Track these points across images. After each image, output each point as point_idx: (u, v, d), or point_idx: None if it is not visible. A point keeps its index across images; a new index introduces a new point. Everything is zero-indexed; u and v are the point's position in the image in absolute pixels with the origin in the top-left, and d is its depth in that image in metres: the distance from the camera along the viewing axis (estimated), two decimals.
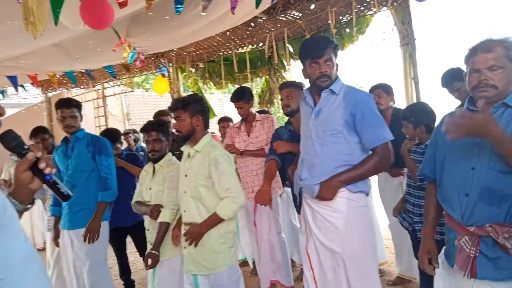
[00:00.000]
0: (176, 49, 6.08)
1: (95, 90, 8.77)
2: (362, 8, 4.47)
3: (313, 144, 2.14)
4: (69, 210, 2.94)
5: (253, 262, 3.79)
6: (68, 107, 2.94)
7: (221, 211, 2.19)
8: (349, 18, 4.65)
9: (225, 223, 2.25)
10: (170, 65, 6.53)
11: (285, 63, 5.79)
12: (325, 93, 2.14)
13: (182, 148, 2.42)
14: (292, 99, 2.95)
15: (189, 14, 3.62)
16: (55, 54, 4.49)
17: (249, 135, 3.44)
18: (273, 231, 3.30)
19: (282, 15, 4.90)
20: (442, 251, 1.72)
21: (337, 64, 2.16)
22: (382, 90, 3.32)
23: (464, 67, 1.62)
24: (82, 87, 8.17)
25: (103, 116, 9.01)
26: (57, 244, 3.15)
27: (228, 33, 5.31)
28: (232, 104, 3.48)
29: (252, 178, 3.37)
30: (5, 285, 0.82)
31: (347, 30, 4.86)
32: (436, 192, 1.72)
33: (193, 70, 6.46)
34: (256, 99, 5.60)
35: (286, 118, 3.25)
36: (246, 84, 5.86)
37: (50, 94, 8.79)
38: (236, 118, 3.91)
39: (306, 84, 2.34)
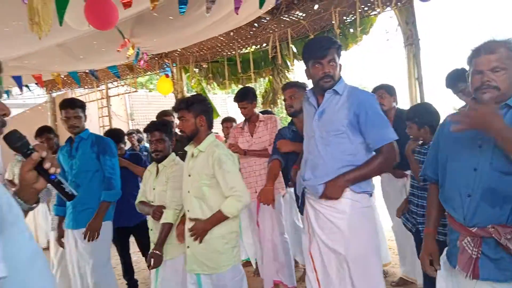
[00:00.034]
0: (179, 50, 6.09)
1: (99, 90, 8.81)
2: (366, 9, 4.46)
3: (317, 145, 2.14)
4: (73, 209, 2.96)
5: (256, 262, 3.79)
6: (72, 108, 2.95)
7: (226, 209, 2.19)
8: (353, 18, 4.64)
9: (228, 223, 2.25)
10: (174, 65, 6.55)
11: (288, 63, 5.79)
12: (328, 94, 2.13)
13: (186, 148, 2.42)
14: (295, 100, 2.95)
15: (193, 15, 3.62)
16: (60, 54, 4.52)
17: (252, 136, 3.44)
18: (276, 232, 3.30)
19: (286, 16, 4.90)
20: (444, 252, 1.72)
21: (340, 65, 2.15)
22: (385, 91, 3.31)
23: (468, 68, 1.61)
24: (86, 87, 8.21)
25: (107, 116, 9.06)
26: (60, 244, 3.16)
27: (231, 33, 5.32)
28: (236, 105, 3.48)
29: (255, 179, 3.37)
30: (11, 282, 0.83)
31: (351, 30, 4.85)
32: (438, 193, 1.72)
33: (196, 70, 6.47)
34: (259, 99, 5.60)
35: (289, 119, 3.25)
36: (249, 85, 5.86)
37: (54, 94, 8.84)
38: (240, 118, 3.91)
39: (309, 84, 2.33)
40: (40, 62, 4.80)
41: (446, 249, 1.71)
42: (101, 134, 3.83)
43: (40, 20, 2.29)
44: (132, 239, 3.82)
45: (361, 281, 2.04)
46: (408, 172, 3.08)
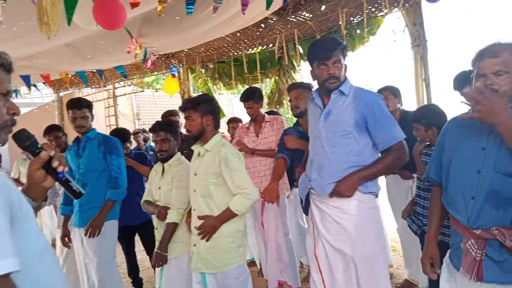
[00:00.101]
0: (186, 50, 6.11)
1: (106, 90, 8.87)
2: (373, 9, 4.44)
3: (323, 145, 2.14)
4: (79, 208, 2.98)
5: (260, 263, 3.80)
6: (79, 108, 2.97)
7: (234, 206, 2.20)
8: (360, 19, 4.62)
9: (235, 221, 2.26)
10: (180, 65, 6.57)
11: (295, 64, 5.79)
12: (334, 94, 2.13)
13: (192, 147, 2.43)
14: (301, 100, 2.95)
15: (200, 15, 3.64)
16: (68, 54, 4.55)
17: (257, 136, 3.45)
18: (280, 232, 3.30)
19: (293, 16, 4.90)
20: (448, 254, 1.71)
21: (345, 65, 2.16)
22: (390, 92, 3.31)
23: None
24: (93, 86, 8.27)
25: (113, 115, 9.12)
26: (63, 243, 3.17)
27: (238, 34, 5.32)
28: (242, 105, 3.48)
29: (260, 179, 3.37)
30: (23, 277, 0.85)
31: (358, 31, 4.83)
32: (441, 195, 1.71)
33: (203, 70, 6.49)
34: (265, 100, 5.60)
35: (294, 119, 3.25)
36: (255, 85, 5.86)
37: (61, 94, 8.90)
38: (245, 119, 3.91)
39: (315, 85, 2.33)
40: (48, 61, 4.84)
41: (449, 251, 1.70)
42: (108, 133, 3.84)
43: (49, 20, 2.31)
44: (137, 238, 3.84)
45: (367, 282, 2.04)
46: (415, 175, 3.07)
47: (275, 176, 2.85)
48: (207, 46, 5.86)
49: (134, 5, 2.67)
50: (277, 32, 5.28)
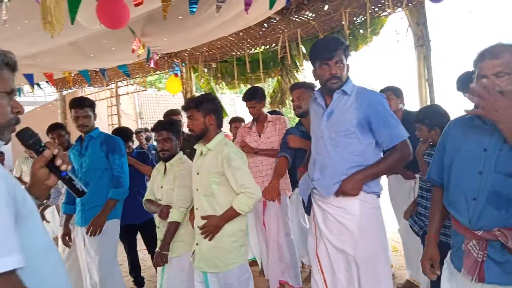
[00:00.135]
0: (189, 49, 6.11)
1: (108, 89, 8.89)
2: (376, 9, 4.43)
3: (326, 145, 2.14)
4: (81, 207, 2.99)
5: (262, 262, 3.79)
6: (81, 107, 2.98)
7: (238, 206, 2.20)
8: (363, 19, 4.61)
9: (238, 220, 2.26)
10: (183, 64, 6.57)
11: (297, 63, 5.78)
12: (337, 94, 2.13)
13: (195, 147, 2.44)
14: (303, 100, 2.95)
15: (203, 15, 3.64)
16: (71, 53, 4.56)
17: (260, 136, 3.44)
18: (281, 232, 3.29)
19: (296, 16, 4.88)
20: (448, 255, 1.71)
21: (348, 65, 2.15)
22: (392, 93, 3.30)
23: None
24: (96, 85, 8.28)
25: (116, 114, 9.13)
26: (64, 242, 3.17)
27: (241, 33, 5.32)
28: (244, 104, 3.48)
29: (262, 179, 3.36)
30: (28, 273, 0.85)
31: (361, 31, 4.82)
32: (442, 196, 1.71)
33: (205, 70, 6.49)
34: (267, 99, 5.60)
35: (297, 119, 3.25)
36: (258, 85, 5.86)
37: (64, 92, 8.93)
38: (248, 119, 3.91)
39: (318, 84, 2.33)
40: (52, 60, 4.86)
41: (449, 252, 1.70)
42: (110, 132, 3.85)
43: (52, 19, 2.32)
44: (139, 236, 3.85)
45: (369, 282, 2.04)
46: (417, 175, 3.07)
47: (276, 175, 2.85)
48: (210, 46, 5.86)
49: (137, 4, 2.68)
50: (280, 31, 5.27)
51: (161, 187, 2.73)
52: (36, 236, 0.97)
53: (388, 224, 3.72)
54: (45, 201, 1.18)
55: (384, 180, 2.39)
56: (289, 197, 3.45)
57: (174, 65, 6.56)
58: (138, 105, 11.45)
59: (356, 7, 4.39)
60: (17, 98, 1.11)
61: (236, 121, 4.82)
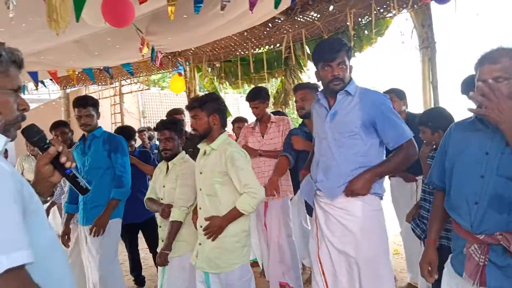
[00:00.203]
0: (193, 48, 6.12)
1: (112, 87, 8.90)
2: (381, 10, 4.42)
3: (330, 146, 2.13)
4: (83, 206, 3.00)
5: (263, 263, 3.79)
6: (84, 106, 2.98)
7: (241, 206, 2.20)
8: (368, 20, 4.60)
9: (241, 221, 2.26)
10: (187, 64, 6.57)
11: (302, 64, 5.77)
12: (340, 95, 2.13)
13: (198, 146, 2.43)
14: (306, 101, 2.94)
15: (207, 14, 3.64)
16: (76, 51, 4.58)
17: (263, 136, 3.43)
18: (282, 234, 3.28)
19: (300, 16, 4.88)
20: (449, 259, 1.70)
21: (351, 66, 2.15)
22: (395, 95, 3.29)
23: None
24: (100, 84, 8.31)
25: (119, 113, 9.14)
26: (62, 241, 3.17)
27: (245, 33, 5.32)
28: (247, 104, 3.47)
29: (264, 180, 3.34)
30: (36, 268, 0.86)
31: (366, 32, 4.81)
32: (443, 200, 1.71)
33: (209, 69, 6.49)
34: (271, 100, 5.60)
35: (300, 120, 3.24)
36: (262, 85, 5.86)
37: (68, 90, 8.96)
38: (251, 119, 3.90)
39: (321, 85, 2.33)
40: (56, 58, 4.87)
41: (450, 256, 1.69)
42: (113, 131, 3.86)
43: (58, 18, 2.32)
44: (140, 235, 3.85)
45: (371, 283, 2.03)
46: (419, 177, 3.06)
47: (276, 172, 2.88)
48: (214, 45, 5.86)
49: (142, 1, 2.68)
50: (285, 32, 5.26)
51: (163, 186, 2.73)
52: (42, 232, 0.98)
53: (389, 227, 3.73)
54: (48, 198, 1.19)
55: (386, 182, 2.39)
56: (291, 199, 3.44)
57: (178, 64, 6.57)
58: (141, 104, 11.47)
59: (361, 8, 4.38)
60: (21, 95, 1.11)
61: (239, 121, 4.82)
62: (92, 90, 9.40)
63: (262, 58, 5.76)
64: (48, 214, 3.73)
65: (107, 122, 8.67)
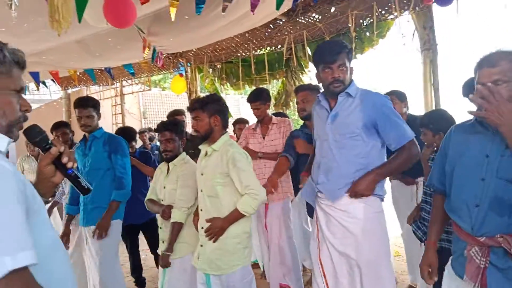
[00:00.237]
0: (194, 49, 6.12)
1: (113, 88, 8.91)
2: (383, 12, 4.42)
3: (331, 148, 2.13)
4: (84, 207, 3.00)
5: (263, 265, 3.78)
6: (85, 107, 2.98)
7: (242, 207, 2.20)
8: (369, 21, 4.60)
9: (243, 222, 2.25)
10: (188, 65, 6.58)
11: (303, 65, 5.78)
12: (341, 97, 2.14)
13: (200, 147, 2.43)
14: (308, 103, 2.94)
15: (209, 15, 3.64)
16: (77, 51, 4.58)
17: (264, 138, 3.42)
18: (283, 235, 3.28)
19: (302, 18, 4.88)
20: (450, 262, 1.70)
21: (351, 68, 2.16)
22: (396, 97, 3.29)
23: None
24: (101, 84, 8.31)
25: (120, 114, 9.15)
26: (63, 241, 3.19)
27: (246, 34, 5.32)
28: (249, 105, 3.47)
29: (264, 181, 3.34)
30: (39, 269, 0.86)
31: (367, 33, 4.80)
32: (443, 202, 1.71)
33: (210, 70, 6.49)
34: (272, 101, 5.59)
35: (301, 121, 3.24)
36: (263, 86, 5.85)
37: (69, 91, 8.96)
38: (252, 120, 3.90)
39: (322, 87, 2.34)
40: (58, 58, 4.87)
41: (450, 258, 1.69)
42: (114, 131, 3.86)
43: (60, 18, 2.33)
44: (141, 236, 3.85)
45: (372, 285, 2.03)
46: (419, 180, 3.05)
47: (276, 172, 2.89)
48: (215, 46, 5.86)
49: (144, 1, 2.68)
50: (286, 33, 5.27)
51: (164, 187, 2.72)
52: (44, 233, 0.98)
53: (390, 229, 3.73)
54: (50, 199, 1.20)
55: (386, 184, 2.39)
56: (292, 201, 3.44)
57: (179, 65, 6.57)
58: (142, 105, 11.47)
59: (363, 9, 4.38)
60: (23, 96, 1.11)
61: (240, 123, 4.82)
62: (93, 91, 9.41)
63: (264, 59, 5.76)
64: (50, 214, 3.74)
65: (108, 122, 8.68)
